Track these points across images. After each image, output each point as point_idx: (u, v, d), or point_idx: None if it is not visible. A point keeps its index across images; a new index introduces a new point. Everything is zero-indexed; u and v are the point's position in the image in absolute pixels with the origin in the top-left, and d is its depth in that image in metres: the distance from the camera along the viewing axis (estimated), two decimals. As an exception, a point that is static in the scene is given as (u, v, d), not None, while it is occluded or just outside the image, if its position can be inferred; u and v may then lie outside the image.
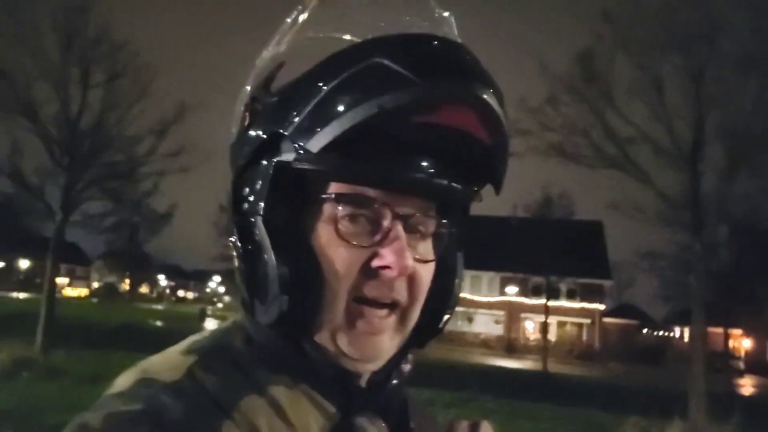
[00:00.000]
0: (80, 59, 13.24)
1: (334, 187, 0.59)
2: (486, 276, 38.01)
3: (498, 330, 38.38)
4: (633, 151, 11.13)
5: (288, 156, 0.59)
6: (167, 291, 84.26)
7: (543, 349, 23.82)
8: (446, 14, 0.67)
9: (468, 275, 37.79)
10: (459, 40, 0.62)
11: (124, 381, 0.57)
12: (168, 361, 0.59)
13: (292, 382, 0.61)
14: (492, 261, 34.96)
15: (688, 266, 11.98)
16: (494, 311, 38.52)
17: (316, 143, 0.56)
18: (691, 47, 10.48)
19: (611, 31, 11.06)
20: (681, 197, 10.93)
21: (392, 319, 0.62)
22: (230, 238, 0.65)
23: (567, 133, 11.72)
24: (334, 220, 0.59)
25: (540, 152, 12.04)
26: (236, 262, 0.64)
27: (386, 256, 0.58)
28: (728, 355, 24.90)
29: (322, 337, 0.61)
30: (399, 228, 0.59)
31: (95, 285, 72.59)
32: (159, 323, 27.75)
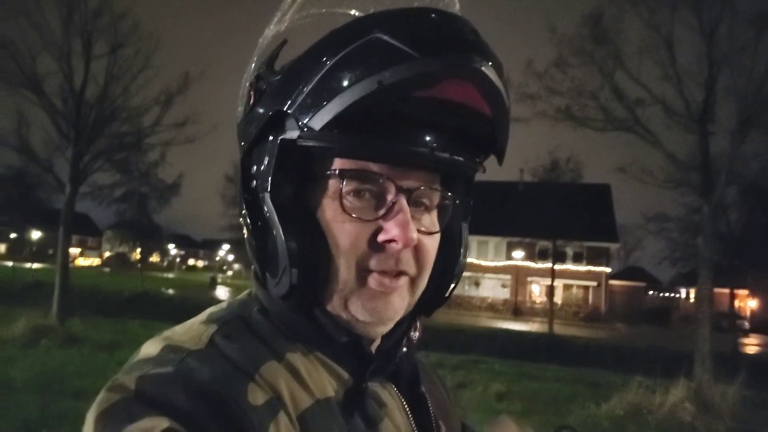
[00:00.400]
0: (81, 31, 13.09)
1: (338, 163, 0.61)
2: (493, 241, 38.03)
3: (505, 294, 38.61)
4: (642, 112, 10.97)
5: (292, 133, 0.60)
6: (177, 260, 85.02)
7: (549, 311, 24.00)
8: None
9: (475, 240, 37.85)
10: (459, 12, 0.62)
11: (150, 349, 0.59)
12: (190, 331, 0.62)
13: (306, 349, 0.63)
14: (499, 226, 34.96)
15: (696, 228, 11.94)
16: (501, 275, 38.69)
17: (318, 120, 0.57)
18: (703, 4, 10.21)
19: None
20: (690, 159, 10.82)
21: (402, 281, 0.64)
22: (241, 214, 0.67)
23: (575, 96, 11.53)
24: (339, 196, 0.61)
25: (547, 116, 11.88)
26: (247, 237, 0.66)
27: (391, 230, 0.60)
28: (734, 315, 24.95)
29: (334, 306, 0.63)
30: (403, 201, 0.61)
31: (107, 255, 73.43)
32: (171, 291, 28.15)
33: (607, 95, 11.20)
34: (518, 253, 35.74)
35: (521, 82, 11.84)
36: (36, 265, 33.04)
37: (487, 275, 38.60)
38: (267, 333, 0.63)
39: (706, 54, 10.36)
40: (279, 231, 0.60)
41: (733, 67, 10.36)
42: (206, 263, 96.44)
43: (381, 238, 0.61)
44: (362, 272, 0.62)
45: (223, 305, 0.69)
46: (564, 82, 11.60)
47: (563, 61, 11.52)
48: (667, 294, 53.40)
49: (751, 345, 26.62)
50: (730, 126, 10.37)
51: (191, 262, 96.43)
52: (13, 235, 43.02)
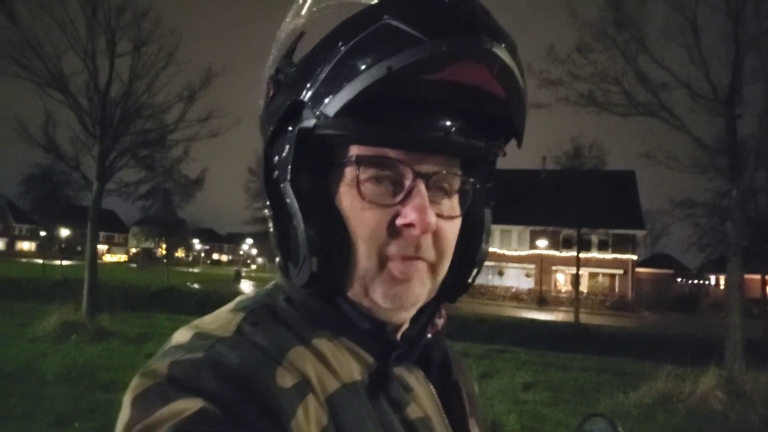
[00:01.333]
0: (105, 29, 13.30)
1: (354, 150, 0.61)
2: (516, 230, 37.80)
3: (529, 283, 38.37)
4: (667, 96, 10.76)
5: (309, 122, 0.61)
6: (202, 254, 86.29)
7: (575, 300, 23.79)
8: None
9: (498, 229, 37.66)
10: None
11: (181, 337, 0.60)
12: (219, 319, 0.63)
13: (331, 335, 0.64)
14: (522, 215, 34.72)
15: (725, 213, 11.69)
16: (525, 265, 38.44)
17: (331, 108, 0.58)
18: None
19: None
20: (717, 142, 10.59)
21: (421, 265, 0.64)
22: (265, 206, 0.68)
23: (598, 82, 11.35)
24: (357, 183, 0.61)
25: (570, 102, 11.73)
26: (270, 227, 0.68)
27: (408, 215, 0.60)
28: (765, 301, 24.38)
29: (355, 293, 0.64)
30: (420, 186, 0.61)
31: (133, 251, 74.91)
32: (196, 285, 28.58)
33: (630, 80, 11.02)
34: (542, 242, 35.45)
35: (543, 68, 11.71)
36: (65, 262, 33.81)
37: (511, 264, 38.40)
38: (293, 320, 0.64)
39: (733, 35, 10.09)
40: (299, 220, 0.61)
41: (761, 47, 10.08)
42: (230, 257, 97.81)
43: (399, 222, 0.61)
44: (382, 259, 0.62)
45: (251, 294, 0.71)
46: (586, 67, 11.43)
47: (585, 45, 11.34)
48: (695, 281, 52.48)
49: (783, 332, 26.00)
50: (758, 108, 10.12)
51: (215, 256, 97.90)
52: (42, 234, 44.06)
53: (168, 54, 13.88)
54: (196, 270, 58.03)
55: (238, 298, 0.70)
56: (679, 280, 51.25)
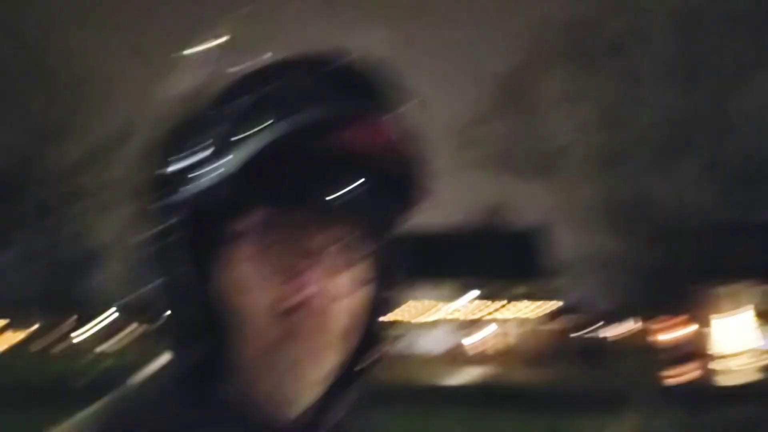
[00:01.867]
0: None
1: (243, 219, 0.57)
2: (435, 289, 38.19)
3: (450, 342, 38.56)
4: (566, 158, 11.57)
5: (192, 189, 0.56)
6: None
7: (498, 357, 24.11)
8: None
9: (416, 289, 37.97)
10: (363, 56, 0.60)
11: None
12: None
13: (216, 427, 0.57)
14: (439, 274, 35.29)
15: (633, 264, 12.48)
16: (446, 323, 38.75)
17: (219, 173, 0.54)
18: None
19: (542, 44, 11.53)
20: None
21: (319, 345, 0.58)
22: (149, 280, 0.61)
23: (503, 145, 12.06)
24: (246, 256, 0.56)
25: (478, 165, 12.33)
26: (156, 305, 0.61)
27: (302, 290, 0.56)
28: (675, 344, 25.67)
29: (244, 379, 0.58)
30: (319, 256, 0.57)
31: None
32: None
33: (533, 143, 11.76)
34: (460, 301, 35.99)
35: (459, 128, 12.25)
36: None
37: (430, 324, 38.61)
38: (165, 410, 0.57)
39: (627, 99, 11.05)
40: (180, 297, 0.58)
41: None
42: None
43: (291, 299, 0.56)
44: (273, 340, 0.57)
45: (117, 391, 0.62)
46: (491, 133, 12.08)
47: (491, 112, 12.03)
48: (612, 327, 54.35)
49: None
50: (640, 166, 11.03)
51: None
52: None
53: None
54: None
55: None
56: (599, 325, 52.72)
